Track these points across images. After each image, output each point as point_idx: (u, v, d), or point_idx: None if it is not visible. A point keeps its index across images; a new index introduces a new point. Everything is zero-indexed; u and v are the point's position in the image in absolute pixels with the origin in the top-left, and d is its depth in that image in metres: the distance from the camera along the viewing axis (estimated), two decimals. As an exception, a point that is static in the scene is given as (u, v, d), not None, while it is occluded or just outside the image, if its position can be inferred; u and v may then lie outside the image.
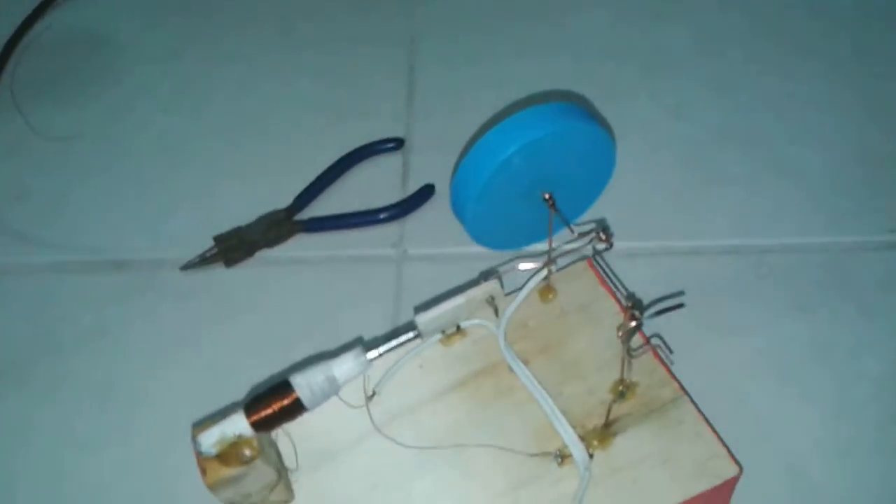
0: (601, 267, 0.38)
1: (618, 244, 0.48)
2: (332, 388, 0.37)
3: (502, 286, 0.39)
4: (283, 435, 0.42)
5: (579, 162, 0.40)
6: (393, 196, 0.58)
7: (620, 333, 0.36)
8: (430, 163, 0.59)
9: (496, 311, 0.39)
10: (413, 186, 0.58)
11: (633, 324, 0.35)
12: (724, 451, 0.40)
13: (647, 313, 0.35)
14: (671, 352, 0.40)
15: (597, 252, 0.38)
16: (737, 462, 0.40)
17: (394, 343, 0.38)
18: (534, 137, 0.39)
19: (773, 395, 0.47)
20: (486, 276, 0.39)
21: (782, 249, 0.52)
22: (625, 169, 0.45)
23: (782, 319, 0.49)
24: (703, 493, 0.39)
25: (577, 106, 0.40)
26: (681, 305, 0.35)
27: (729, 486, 0.40)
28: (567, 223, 0.39)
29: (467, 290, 0.39)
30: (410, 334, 0.39)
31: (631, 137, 0.56)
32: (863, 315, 0.49)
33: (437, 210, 0.57)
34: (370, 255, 0.56)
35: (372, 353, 0.38)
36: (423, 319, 0.38)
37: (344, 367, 0.38)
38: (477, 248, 0.54)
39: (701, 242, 0.53)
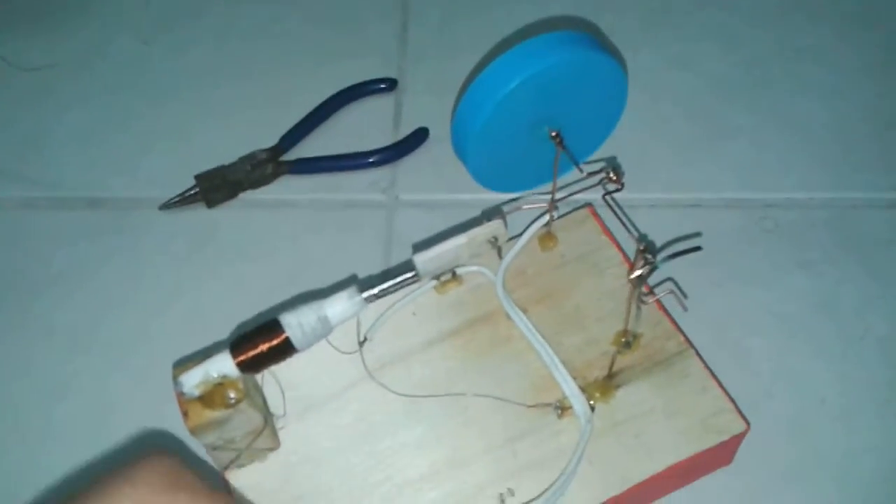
0: (612, 208, 0.36)
1: (619, 195, 0.46)
2: (324, 329, 0.35)
3: (506, 226, 0.37)
4: (270, 379, 0.40)
5: (589, 96, 0.38)
6: (384, 139, 0.55)
7: (631, 277, 0.34)
8: (424, 106, 0.56)
9: (499, 253, 0.37)
10: (406, 130, 0.55)
11: (646, 267, 0.33)
12: (730, 406, 0.39)
13: (660, 256, 0.33)
14: (685, 296, 0.39)
15: (608, 193, 0.36)
16: (744, 418, 0.39)
17: (390, 283, 0.36)
18: (540, 68, 0.36)
19: (777, 352, 0.45)
20: (488, 216, 0.37)
21: (787, 204, 0.51)
22: (627, 120, 0.43)
23: (787, 275, 0.48)
24: (709, 450, 0.38)
25: (588, 35, 0.37)
26: (698, 248, 0.33)
27: (735, 442, 0.39)
28: (575, 162, 0.37)
29: (469, 229, 0.37)
30: (408, 274, 0.36)
31: (633, 88, 0.54)
32: (868, 272, 0.48)
33: (431, 155, 0.55)
34: (360, 200, 0.53)
35: (367, 293, 0.36)
36: (421, 259, 0.36)
37: (337, 306, 0.35)
38: (472, 196, 0.52)
39: (705, 195, 0.51)
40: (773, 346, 0.45)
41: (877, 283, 0.47)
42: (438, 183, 0.53)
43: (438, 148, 0.55)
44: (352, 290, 0.36)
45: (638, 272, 0.34)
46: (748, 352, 0.45)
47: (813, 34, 0.58)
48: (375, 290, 0.36)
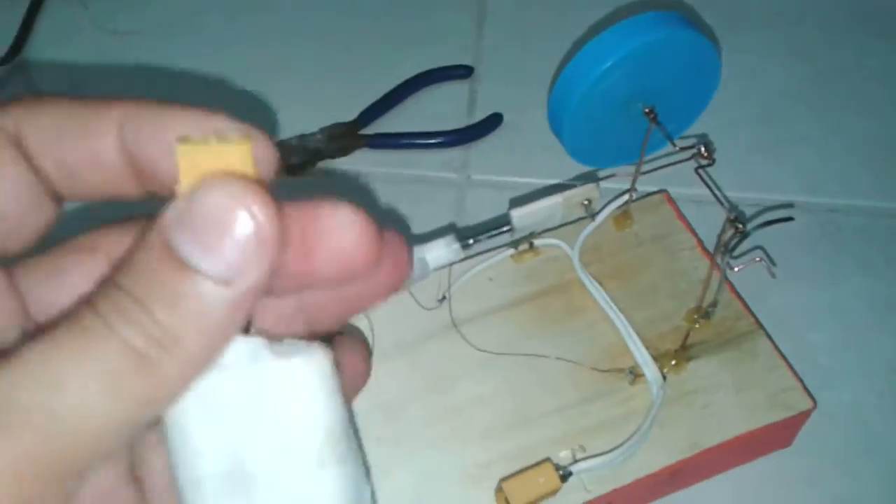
0: (705, 181, 0.37)
1: (689, 191, 0.48)
2: (423, 272, 0.37)
3: (599, 190, 0.38)
4: (361, 316, 0.41)
5: (682, 74, 0.40)
6: (458, 123, 0.57)
7: (720, 244, 0.35)
8: (499, 94, 0.58)
9: (593, 216, 0.39)
10: (480, 116, 0.57)
11: (737, 236, 0.35)
12: (798, 384, 0.40)
13: (751, 224, 0.34)
14: (774, 264, 0.40)
15: (700, 167, 0.37)
16: (811, 396, 0.40)
17: (485, 235, 0.38)
18: (635, 46, 0.38)
19: (835, 347, 0.46)
20: (581, 181, 0.39)
21: (850, 210, 0.52)
22: (698, 120, 0.45)
23: (849, 276, 0.49)
24: (775, 425, 0.39)
25: (680, 14, 0.39)
26: (790, 218, 0.35)
27: (800, 420, 0.40)
28: (669, 137, 0.39)
29: (564, 191, 0.38)
30: (504, 228, 0.38)
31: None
32: (927, 281, 0.49)
33: (504, 140, 0.56)
34: (432, 178, 0.55)
35: (464, 241, 0.38)
36: (518, 213, 0.38)
37: (435, 251, 0.37)
38: (543, 180, 0.54)
39: (770, 196, 0.53)
40: (833, 341, 0.47)
41: (934, 292, 0.49)
42: (510, 166, 0.55)
43: (512, 134, 0.57)
44: (450, 237, 0.37)
45: (726, 241, 0.35)
46: (809, 345, 0.46)
47: (876, 54, 0.60)
48: (471, 240, 0.38)
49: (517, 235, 0.39)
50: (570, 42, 0.59)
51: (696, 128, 0.44)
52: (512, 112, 0.57)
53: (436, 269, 0.37)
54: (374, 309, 0.37)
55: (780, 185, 0.53)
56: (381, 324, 0.42)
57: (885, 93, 0.58)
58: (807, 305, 0.48)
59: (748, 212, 0.52)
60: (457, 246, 0.37)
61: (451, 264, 0.37)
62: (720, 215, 0.51)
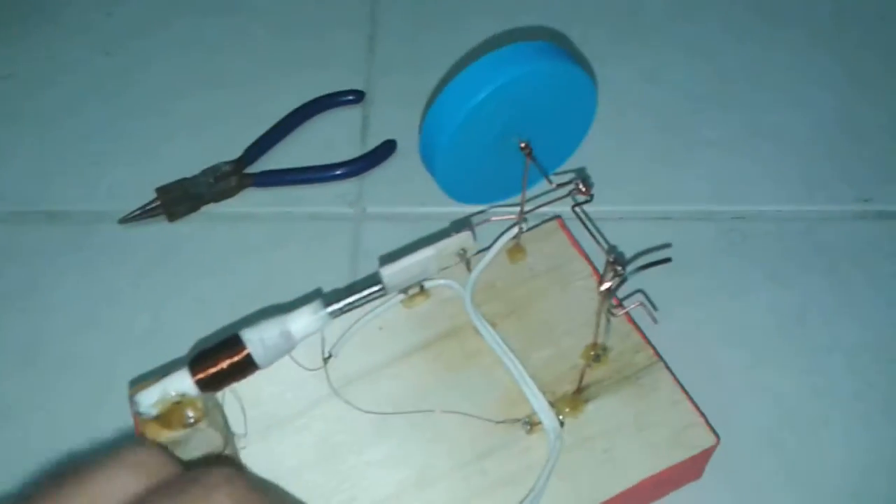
0: (582, 220, 0.35)
1: (589, 208, 0.46)
2: (287, 345, 0.34)
3: (475, 238, 0.36)
4: (231, 397, 0.38)
5: (558, 107, 0.38)
6: (351, 151, 0.54)
7: (601, 289, 0.33)
8: (392, 118, 0.56)
9: (468, 265, 0.36)
10: (373, 142, 0.55)
11: (616, 279, 0.33)
12: (700, 419, 0.38)
13: (629, 268, 0.32)
14: (655, 309, 0.38)
15: (577, 204, 0.35)
16: (714, 432, 0.38)
17: (356, 297, 0.35)
18: (509, 78, 0.36)
19: (746, 365, 0.45)
20: (457, 227, 0.36)
21: (756, 217, 0.51)
22: (595, 132, 0.43)
23: (757, 287, 0.48)
24: (679, 464, 0.38)
25: (557, 45, 0.37)
26: (668, 260, 0.33)
27: (705, 456, 0.39)
28: (545, 173, 0.36)
29: (437, 241, 0.36)
30: (374, 288, 0.36)
31: (602, 100, 0.53)
32: (837, 285, 0.48)
33: (399, 167, 0.54)
34: (326, 213, 0.52)
35: (332, 308, 0.35)
36: (388, 272, 0.35)
37: (300, 321, 0.34)
38: (440, 209, 0.51)
39: (673, 207, 0.51)
40: (742, 358, 0.45)
41: (846, 296, 0.47)
42: (406, 196, 0.52)
43: (406, 160, 0.54)
44: (316, 304, 0.35)
45: (607, 284, 0.33)
46: (718, 365, 0.45)
47: (782, 48, 0.58)
48: (340, 305, 0.35)
49: (390, 293, 0.36)
50: (465, 60, 0.57)
51: (592, 140, 0.42)
52: (406, 137, 0.55)
53: (303, 340, 0.34)
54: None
55: (685, 194, 0.52)
56: (262, 391, 0.40)
57: (786, 85, 0.57)
58: (715, 321, 0.46)
59: (655, 224, 0.50)
60: (324, 313, 0.34)
61: (319, 331, 0.35)
62: (616, 235, 0.50)
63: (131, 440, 0.35)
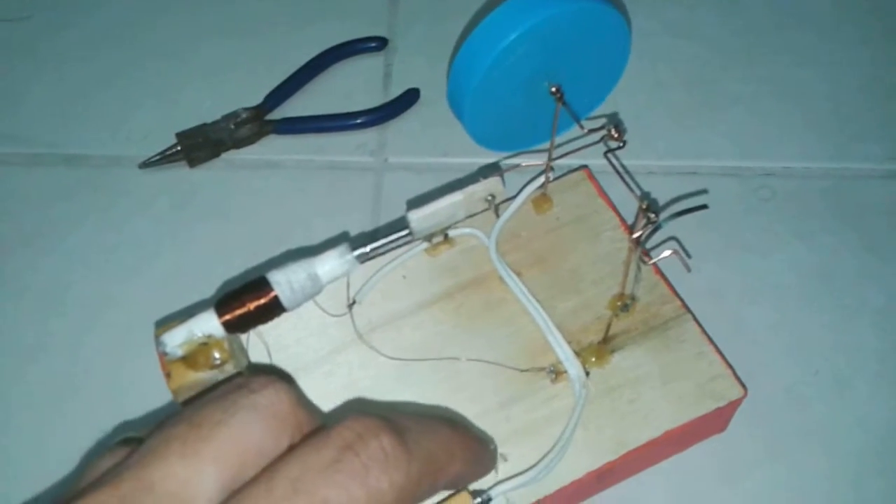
0: (614, 166, 0.34)
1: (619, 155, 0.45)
2: (315, 288, 0.34)
3: (504, 184, 0.35)
4: (257, 340, 0.38)
5: (590, 50, 0.37)
6: (373, 100, 0.53)
7: (632, 237, 0.33)
8: (415, 66, 0.55)
9: (496, 212, 0.36)
10: (396, 91, 0.54)
11: (649, 226, 0.32)
12: (728, 371, 0.38)
13: (663, 215, 0.31)
14: (689, 256, 0.38)
15: (609, 150, 0.35)
16: (741, 384, 0.38)
17: (383, 241, 0.35)
18: (540, 19, 0.35)
19: (772, 322, 0.44)
20: (485, 173, 0.36)
21: (785, 173, 0.50)
22: (623, 86, 0.42)
23: (785, 244, 0.47)
24: (705, 416, 0.37)
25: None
26: (704, 206, 0.32)
27: (731, 408, 0.38)
28: (576, 118, 0.36)
29: (465, 187, 0.35)
30: (401, 232, 0.35)
31: (631, 54, 0.53)
32: (865, 243, 0.47)
33: (422, 117, 0.53)
34: (347, 162, 0.52)
35: (359, 251, 0.35)
36: (416, 216, 0.35)
37: (328, 264, 0.34)
38: (464, 160, 0.50)
39: (702, 163, 0.50)
40: (769, 315, 0.45)
41: (873, 255, 0.47)
42: (429, 146, 0.52)
43: (429, 110, 0.53)
44: (343, 247, 0.34)
45: (639, 232, 0.32)
46: (744, 321, 0.44)
47: (812, 3, 0.57)
48: (367, 249, 0.35)
49: (417, 238, 0.36)
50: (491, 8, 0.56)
51: (620, 94, 0.41)
52: (429, 87, 0.54)
53: (329, 283, 0.34)
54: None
55: (713, 149, 0.51)
56: (287, 336, 0.39)
57: (817, 41, 0.55)
58: (742, 277, 0.46)
59: (683, 179, 0.49)
60: (351, 257, 0.34)
61: (346, 276, 0.34)
62: (644, 187, 0.49)
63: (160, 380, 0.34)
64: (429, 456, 0.25)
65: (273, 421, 0.25)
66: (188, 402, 0.35)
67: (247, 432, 0.24)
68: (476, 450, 0.29)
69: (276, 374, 0.28)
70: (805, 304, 0.45)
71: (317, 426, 0.27)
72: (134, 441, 0.27)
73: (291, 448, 0.25)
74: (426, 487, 0.26)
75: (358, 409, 0.26)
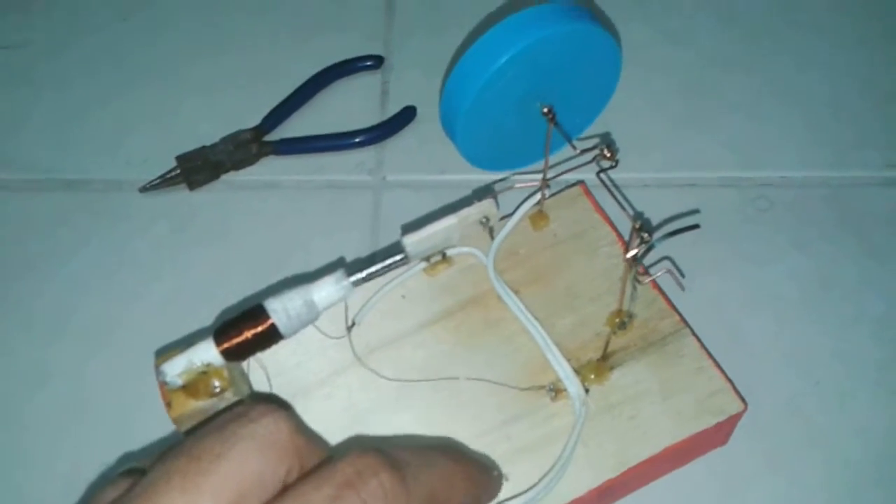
0: (607, 186, 0.35)
1: (613, 175, 0.45)
2: (311, 314, 0.34)
3: (497, 206, 0.35)
4: (256, 366, 0.38)
5: (582, 70, 0.37)
6: (371, 118, 0.54)
7: (627, 257, 0.33)
8: (412, 84, 0.55)
9: (491, 234, 0.36)
10: (393, 109, 0.54)
11: (642, 246, 0.32)
12: (728, 385, 0.38)
13: (656, 235, 0.32)
14: (683, 276, 0.38)
15: (602, 170, 0.35)
16: (741, 398, 0.38)
17: (379, 266, 0.35)
18: (532, 41, 0.35)
19: (772, 333, 0.44)
20: (479, 195, 0.36)
21: (784, 183, 0.50)
22: (619, 97, 0.42)
23: (784, 254, 0.47)
24: (706, 431, 0.37)
25: (580, 6, 0.36)
26: (696, 226, 0.32)
27: (731, 422, 0.38)
28: (568, 139, 0.36)
29: (459, 210, 0.35)
30: (397, 257, 0.35)
31: (625, 63, 0.52)
32: (865, 252, 0.47)
33: (419, 134, 0.53)
34: (346, 181, 0.52)
35: (355, 277, 0.35)
36: (411, 240, 0.35)
37: (324, 291, 0.34)
38: (461, 176, 0.51)
39: (699, 174, 0.50)
40: (769, 326, 0.45)
41: (874, 263, 0.47)
42: (426, 163, 0.52)
43: (426, 127, 0.53)
44: (339, 273, 0.34)
45: (633, 251, 0.33)
46: (744, 332, 0.44)
47: (810, 8, 0.57)
48: (363, 274, 0.35)
49: (412, 262, 0.36)
50: (486, 23, 0.56)
51: (616, 105, 0.41)
52: (426, 104, 0.54)
53: (326, 309, 0.34)
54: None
55: (710, 160, 0.51)
56: (286, 360, 0.40)
57: (815, 47, 0.55)
58: (741, 288, 0.46)
59: (680, 191, 0.49)
60: (347, 283, 0.34)
61: (342, 301, 0.34)
62: (640, 203, 0.49)
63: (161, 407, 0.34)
64: (429, 491, 0.26)
65: (271, 450, 0.25)
66: (191, 431, 0.35)
67: (246, 463, 0.25)
68: (478, 479, 0.30)
69: (275, 402, 0.28)
70: (805, 314, 0.45)
71: (316, 453, 0.27)
72: (136, 472, 0.27)
73: (290, 476, 0.26)
74: None
75: (359, 443, 0.26)
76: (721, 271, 0.46)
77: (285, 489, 0.25)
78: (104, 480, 0.30)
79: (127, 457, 0.41)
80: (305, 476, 0.25)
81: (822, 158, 0.51)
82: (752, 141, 0.52)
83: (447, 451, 0.28)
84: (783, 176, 0.50)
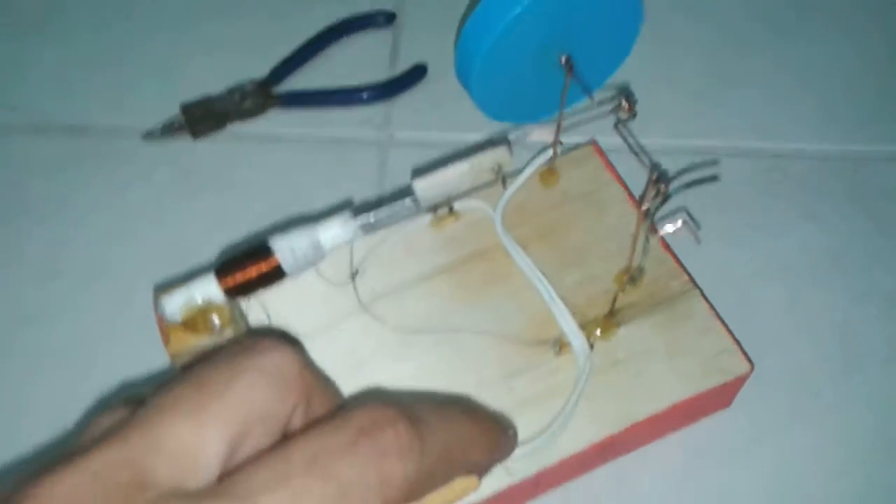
0: (625, 138, 0.34)
1: (620, 141, 0.44)
2: (317, 254, 0.33)
3: (511, 153, 0.35)
4: (257, 307, 0.38)
5: (601, 20, 0.36)
6: (380, 75, 0.53)
7: (641, 208, 0.32)
8: (423, 42, 0.54)
9: (503, 182, 0.35)
10: (403, 66, 0.53)
11: (659, 197, 0.31)
12: (735, 346, 0.38)
13: (673, 184, 0.31)
14: (699, 228, 0.37)
15: (620, 122, 0.34)
16: (748, 359, 0.37)
17: (387, 210, 0.34)
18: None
19: (781, 303, 0.44)
20: (492, 143, 0.35)
21: (798, 155, 0.49)
22: (634, 64, 0.41)
23: (795, 226, 0.46)
24: (710, 391, 0.37)
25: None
26: (714, 178, 0.32)
27: (737, 384, 0.38)
28: (586, 89, 0.35)
29: (472, 156, 0.35)
30: (406, 201, 0.35)
31: (641, 33, 0.52)
32: (877, 227, 0.46)
33: (429, 93, 0.52)
34: (352, 137, 0.51)
35: (362, 219, 0.34)
36: (421, 185, 0.34)
37: (330, 231, 0.34)
38: (470, 136, 0.50)
39: (713, 143, 0.49)
40: (778, 296, 0.44)
41: (885, 238, 0.46)
42: (435, 122, 0.51)
43: (436, 86, 0.53)
44: (346, 214, 0.34)
45: (648, 203, 0.32)
46: (753, 301, 0.44)
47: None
48: (371, 217, 0.34)
49: (422, 208, 0.35)
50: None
51: (631, 72, 0.40)
52: (437, 62, 0.53)
53: (332, 251, 0.33)
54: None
55: (725, 129, 0.50)
56: (288, 305, 0.39)
57: (831, 22, 0.55)
58: (751, 258, 0.45)
59: (693, 160, 0.49)
60: (354, 224, 0.34)
61: (348, 243, 0.34)
62: (662, 165, 0.48)
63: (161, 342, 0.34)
64: (444, 446, 0.25)
65: (280, 384, 0.25)
66: (187, 367, 0.34)
67: (253, 394, 0.24)
68: (494, 438, 0.29)
69: (283, 337, 0.28)
70: (814, 286, 0.45)
71: (323, 392, 0.26)
72: (135, 400, 0.26)
73: (296, 414, 0.25)
74: (440, 477, 0.26)
75: (375, 395, 0.26)
76: (732, 240, 0.46)
77: (302, 429, 0.25)
78: (103, 407, 0.30)
79: (126, 385, 0.41)
80: (321, 421, 0.25)
81: (836, 132, 0.50)
82: (768, 112, 0.51)
83: (464, 408, 0.28)
84: (798, 148, 0.49)
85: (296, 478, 0.21)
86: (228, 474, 0.22)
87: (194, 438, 0.22)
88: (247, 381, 0.24)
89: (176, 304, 0.33)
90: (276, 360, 0.25)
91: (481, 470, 0.29)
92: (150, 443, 0.22)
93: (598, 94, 0.36)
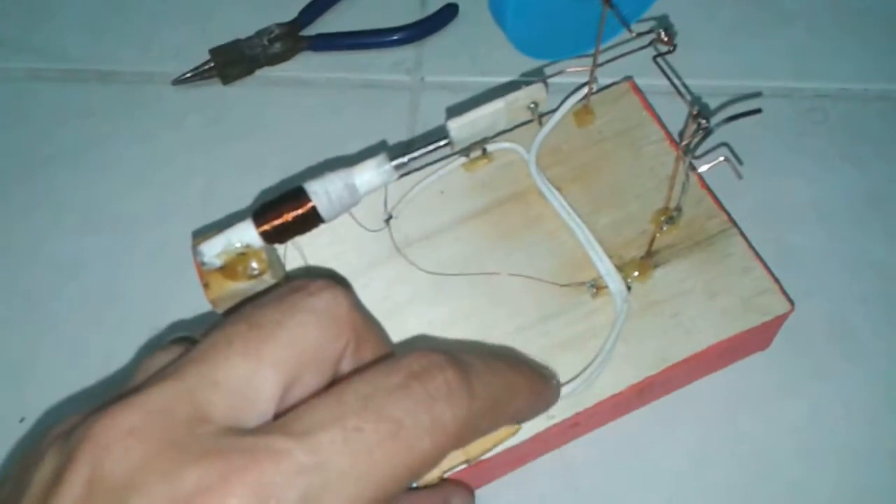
0: (664, 71, 0.33)
1: (657, 81, 0.43)
2: (353, 198, 0.33)
3: (547, 89, 0.34)
4: (294, 253, 0.38)
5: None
6: (410, 17, 0.52)
7: (681, 145, 0.31)
8: (452, -19, 0.53)
9: (539, 121, 0.34)
10: (433, 6, 0.52)
11: (699, 133, 0.31)
12: (775, 286, 0.37)
13: (714, 119, 0.30)
14: (741, 163, 0.36)
15: (659, 54, 0.33)
16: (789, 298, 0.37)
17: (421, 151, 0.34)
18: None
19: (819, 247, 0.43)
20: (527, 81, 0.34)
21: (839, 95, 0.48)
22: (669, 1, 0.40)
23: (835, 169, 0.45)
24: (750, 331, 0.36)
25: None
26: (758, 111, 0.31)
27: (777, 324, 0.37)
28: (624, 21, 0.34)
29: (507, 94, 0.34)
30: (441, 142, 0.34)
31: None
32: (920, 168, 0.45)
33: (460, 35, 0.51)
34: (383, 81, 0.50)
35: (397, 161, 0.34)
36: (456, 124, 0.34)
37: (366, 174, 0.33)
38: (502, 78, 0.49)
39: (752, 82, 0.48)
40: (817, 239, 0.43)
41: (929, 180, 0.45)
42: (467, 64, 0.50)
43: (468, 27, 0.51)
44: (381, 157, 0.33)
45: (689, 139, 0.31)
46: (790, 244, 0.43)
47: None
48: (405, 159, 0.34)
49: (457, 148, 0.35)
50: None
51: (670, 7, 0.39)
52: (468, 2, 0.52)
53: (367, 194, 0.33)
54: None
55: (765, 69, 0.49)
56: (324, 251, 0.39)
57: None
58: (787, 203, 0.44)
59: (726, 102, 0.47)
60: (388, 166, 0.33)
61: (384, 187, 0.33)
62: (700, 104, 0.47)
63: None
64: (491, 394, 0.25)
65: (331, 324, 0.25)
66: (228, 313, 0.34)
67: (305, 334, 0.24)
68: (538, 388, 0.30)
69: (332, 278, 0.28)
70: (855, 230, 0.44)
71: (371, 332, 0.27)
72: (187, 341, 0.27)
73: (345, 354, 0.25)
74: (487, 423, 0.26)
75: (424, 343, 0.26)
76: (770, 181, 0.45)
77: (353, 373, 0.25)
78: (151, 349, 0.30)
79: (176, 325, 0.41)
80: (372, 364, 0.25)
81: (880, 71, 0.48)
82: (809, 51, 0.49)
83: (510, 359, 0.28)
84: (840, 87, 0.48)
85: (350, 417, 0.22)
86: (282, 413, 0.22)
87: (250, 376, 0.23)
88: (299, 322, 0.24)
89: (214, 250, 0.33)
90: (326, 300, 0.25)
91: (525, 419, 0.30)
92: (207, 379, 0.22)
93: (636, 28, 0.35)
